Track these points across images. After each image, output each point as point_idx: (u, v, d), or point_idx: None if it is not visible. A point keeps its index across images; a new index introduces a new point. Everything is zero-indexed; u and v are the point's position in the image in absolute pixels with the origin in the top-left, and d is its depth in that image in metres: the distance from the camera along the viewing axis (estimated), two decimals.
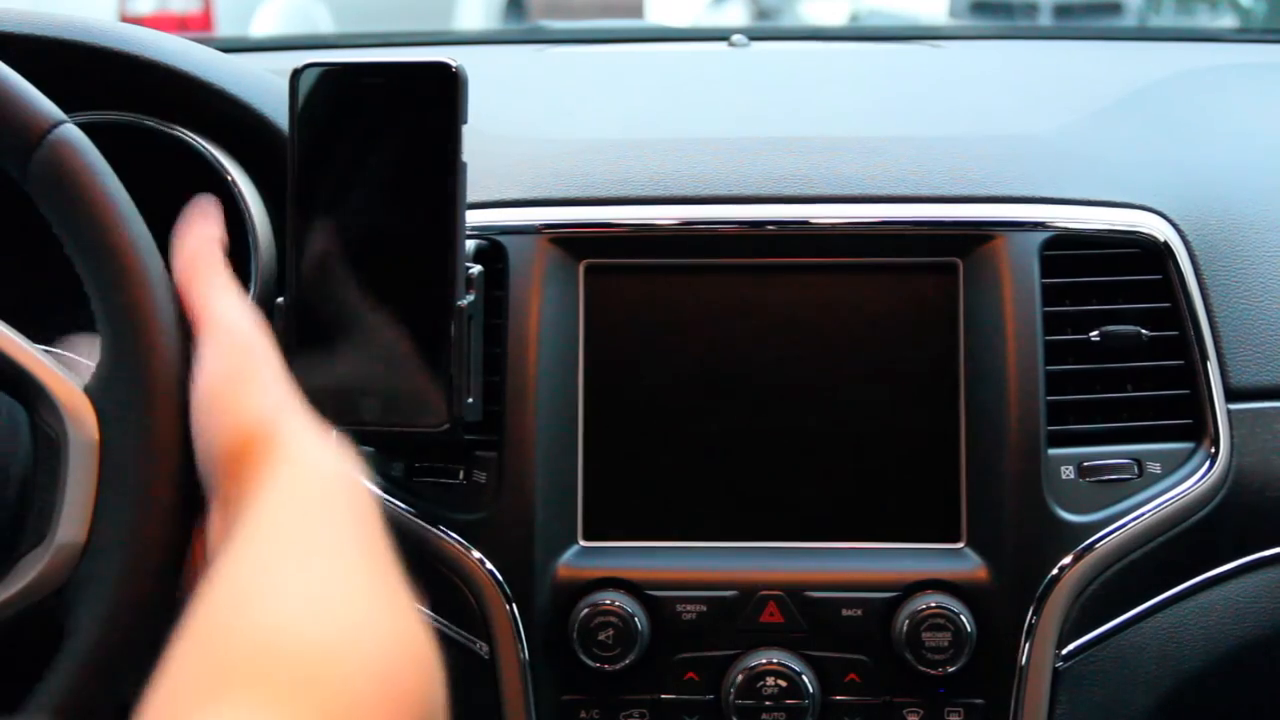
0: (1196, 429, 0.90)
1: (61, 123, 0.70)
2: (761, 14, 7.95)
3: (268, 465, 0.62)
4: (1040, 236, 0.90)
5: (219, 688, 0.48)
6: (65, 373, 0.70)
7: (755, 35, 1.53)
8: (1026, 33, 2.86)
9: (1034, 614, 0.87)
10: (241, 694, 0.48)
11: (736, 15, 7.90)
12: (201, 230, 0.74)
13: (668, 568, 0.88)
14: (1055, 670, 0.88)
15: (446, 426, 0.81)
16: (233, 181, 0.89)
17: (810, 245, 0.91)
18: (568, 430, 0.89)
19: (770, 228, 0.91)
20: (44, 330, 0.77)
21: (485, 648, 0.89)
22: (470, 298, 0.81)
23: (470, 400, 0.82)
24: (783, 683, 0.87)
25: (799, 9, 7.94)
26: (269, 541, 0.58)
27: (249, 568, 0.56)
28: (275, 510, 0.60)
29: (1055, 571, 0.87)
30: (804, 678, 0.87)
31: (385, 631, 0.53)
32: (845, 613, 0.87)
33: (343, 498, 0.62)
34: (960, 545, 0.88)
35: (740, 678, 0.87)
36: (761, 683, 0.87)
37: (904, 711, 0.88)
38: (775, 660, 0.87)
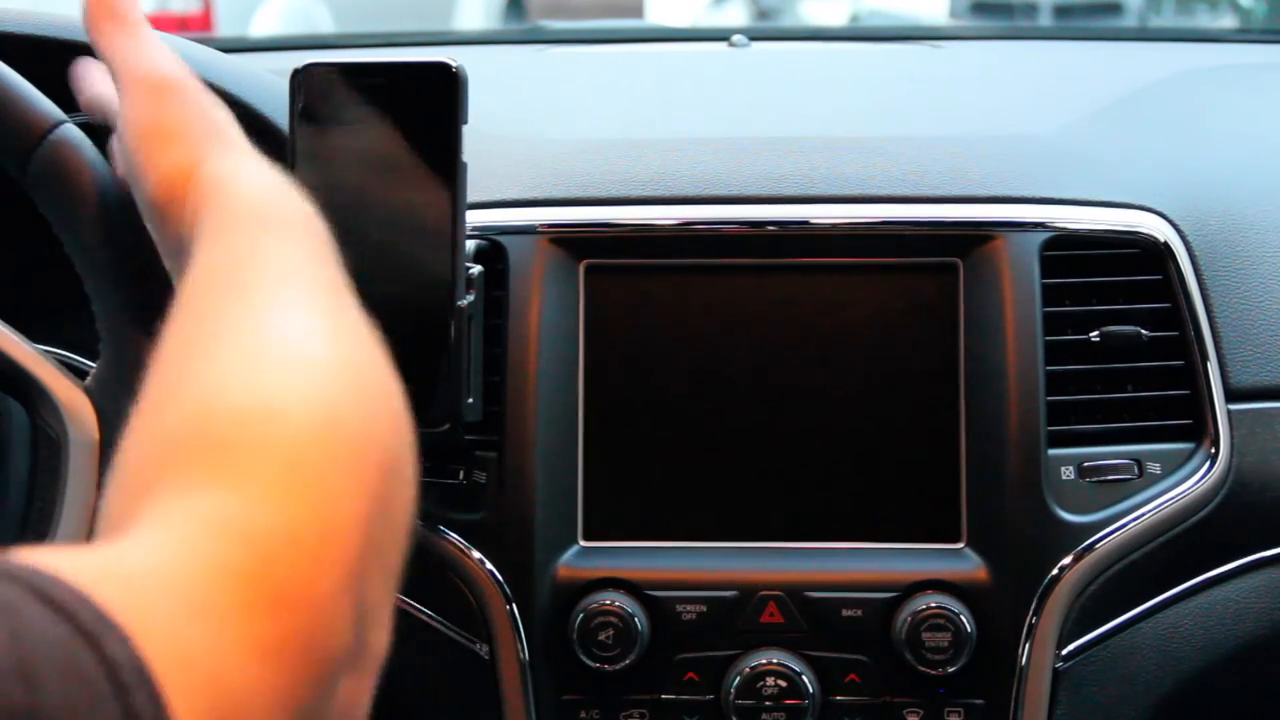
0: (1196, 429, 0.90)
1: (61, 123, 0.71)
2: (761, 14, 7.95)
3: (200, 205, 0.58)
4: (1040, 237, 0.90)
5: (163, 468, 0.44)
6: (65, 373, 0.70)
7: (755, 35, 1.53)
8: (1026, 33, 2.86)
9: (1034, 614, 0.87)
10: (185, 471, 0.43)
11: (736, 15, 7.90)
12: None
13: (668, 568, 0.88)
14: (1055, 670, 0.88)
15: (446, 426, 0.81)
16: None
17: (810, 245, 0.91)
18: (568, 430, 0.89)
19: (770, 228, 0.91)
20: (44, 330, 0.77)
21: (485, 648, 0.89)
22: (470, 298, 0.81)
23: (470, 400, 0.82)
24: (783, 683, 0.87)
25: (799, 9, 7.95)
26: (208, 289, 0.52)
27: (189, 325, 0.50)
28: (212, 252, 0.54)
29: (1055, 572, 0.87)
30: (804, 678, 0.87)
31: (336, 373, 0.47)
32: (845, 613, 0.87)
33: (284, 223, 0.56)
34: (960, 545, 0.88)
35: (740, 678, 0.87)
36: (761, 683, 0.87)
37: (904, 711, 0.88)
38: (775, 660, 0.87)
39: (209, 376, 0.46)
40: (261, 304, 0.50)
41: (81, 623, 0.34)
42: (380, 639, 0.47)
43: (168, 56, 0.67)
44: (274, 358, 0.47)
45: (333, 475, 0.44)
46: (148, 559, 0.38)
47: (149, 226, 0.64)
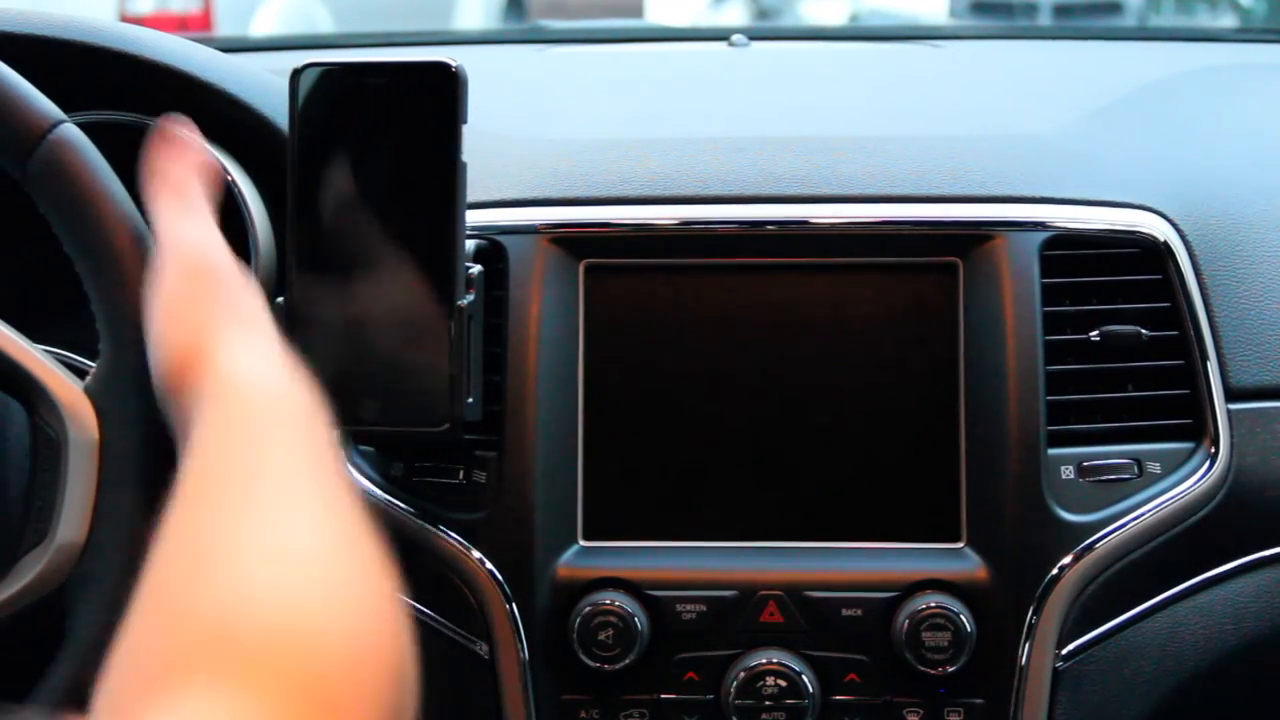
0: (1196, 429, 0.90)
1: (61, 122, 0.71)
2: (761, 14, 7.97)
3: (206, 387, 0.60)
4: (1040, 236, 0.90)
5: (178, 672, 0.46)
6: (65, 373, 0.70)
7: (755, 35, 1.53)
8: (1026, 33, 2.86)
9: (1034, 614, 0.87)
10: (202, 679, 0.45)
11: (736, 15, 7.91)
12: (181, 156, 0.73)
13: (668, 568, 0.88)
14: (1055, 670, 0.88)
15: (446, 426, 0.81)
16: (233, 181, 0.89)
17: (810, 245, 0.91)
18: (568, 430, 0.89)
19: (770, 228, 0.91)
20: (44, 330, 0.77)
21: (485, 648, 0.89)
22: (470, 298, 0.81)
23: (470, 400, 0.82)
24: (782, 682, 0.87)
25: (799, 9, 7.96)
26: (215, 485, 0.55)
27: (200, 521, 0.53)
28: (216, 443, 0.57)
29: (1055, 571, 0.87)
30: (804, 678, 0.87)
31: (349, 594, 0.51)
32: (845, 612, 0.87)
33: (286, 419, 0.59)
34: (960, 545, 0.88)
35: (740, 678, 0.87)
36: (761, 683, 0.87)
37: (904, 711, 0.88)
38: (775, 660, 0.87)
39: (229, 583, 0.49)
40: (280, 511, 0.54)
41: None
42: None
43: (215, 240, 0.70)
44: (295, 576, 0.50)
45: (351, 693, 0.48)
46: None
47: (157, 391, 0.66)
